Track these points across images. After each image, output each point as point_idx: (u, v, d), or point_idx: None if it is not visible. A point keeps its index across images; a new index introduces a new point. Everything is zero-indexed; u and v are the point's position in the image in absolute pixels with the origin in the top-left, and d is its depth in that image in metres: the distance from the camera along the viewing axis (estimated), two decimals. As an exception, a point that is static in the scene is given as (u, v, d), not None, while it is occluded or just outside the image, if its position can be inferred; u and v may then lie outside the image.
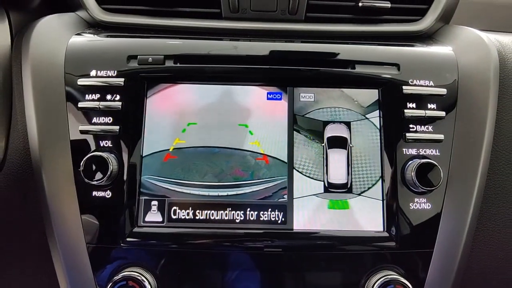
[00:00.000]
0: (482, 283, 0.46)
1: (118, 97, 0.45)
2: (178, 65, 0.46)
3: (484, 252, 0.44)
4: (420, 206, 0.43)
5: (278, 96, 0.47)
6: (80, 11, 0.54)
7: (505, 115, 0.47)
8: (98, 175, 0.41)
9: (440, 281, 0.42)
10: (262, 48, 0.48)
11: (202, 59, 0.47)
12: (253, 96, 0.46)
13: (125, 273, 0.40)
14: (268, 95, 0.47)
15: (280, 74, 0.47)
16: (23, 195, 0.46)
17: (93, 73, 0.46)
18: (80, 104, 0.44)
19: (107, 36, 0.50)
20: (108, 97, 0.45)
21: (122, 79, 0.45)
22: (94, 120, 0.44)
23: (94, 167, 0.41)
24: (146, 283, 0.40)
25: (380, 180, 0.44)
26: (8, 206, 0.46)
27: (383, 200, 0.44)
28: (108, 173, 0.41)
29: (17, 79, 0.47)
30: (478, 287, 0.46)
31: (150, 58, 0.46)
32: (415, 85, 0.46)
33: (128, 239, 0.42)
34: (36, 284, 0.47)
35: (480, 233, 0.45)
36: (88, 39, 0.50)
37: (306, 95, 0.47)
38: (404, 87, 0.46)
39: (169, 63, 0.46)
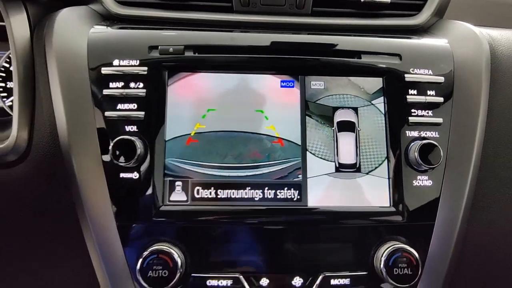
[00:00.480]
0: (480, 256, 0.50)
1: (141, 85, 0.47)
2: (197, 55, 0.49)
3: (482, 223, 0.49)
4: (422, 183, 0.48)
5: (291, 84, 0.50)
6: (94, 4, 0.56)
7: (495, 101, 0.52)
8: (126, 158, 0.44)
9: (441, 251, 0.47)
10: (275, 39, 0.51)
11: (220, 50, 0.50)
12: (268, 84, 0.50)
13: (155, 247, 0.43)
14: (282, 83, 0.50)
15: (293, 64, 0.51)
16: (50, 180, 0.48)
17: (116, 62, 0.48)
18: (105, 92, 0.47)
19: (125, 28, 0.53)
20: (132, 85, 0.47)
21: (145, 68, 0.47)
22: (119, 106, 0.47)
23: (122, 150, 0.44)
24: (176, 256, 0.42)
25: (386, 160, 0.48)
26: (36, 190, 0.48)
27: (389, 179, 0.48)
28: (136, 156, 0.44)
29: (41, 69, 0.49)
30: (476, 260, 0.50)
31: (171, 48, 0.48)
32: (415, 73, 0.50)
33: (155, 218, 0.45)
34: (68, 264, 0.49)
35: (476, 208, 0.49)
36: (107, 30, 0.52)
37: (316, 83, 0.50)
38: (406, 75, 0.50)
39: (188, 53, 0.49)
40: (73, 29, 0.51)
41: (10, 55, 0.74)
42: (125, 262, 0.45)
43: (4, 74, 0.75)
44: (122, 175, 0.46)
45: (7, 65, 0.74)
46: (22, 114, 0.49)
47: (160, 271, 0.42)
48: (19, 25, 0.52)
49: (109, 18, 0.56)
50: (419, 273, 0.44)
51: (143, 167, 0.46)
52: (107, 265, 0.45)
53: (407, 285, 0.44)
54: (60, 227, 0.48)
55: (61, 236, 0.48)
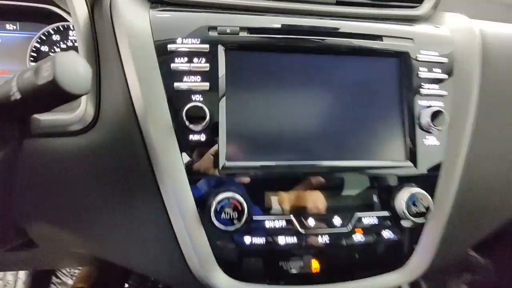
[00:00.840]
0: (473, 202, 0.63)
1: (204, 60, 0.55)
2: (251, 35, 0.57)
3: (476, 175, 0.62)
4: (431, 143, 0.60)
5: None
6: None
7: (486, 79, 0.64)
8: (196, 122, 0.52)
9: (445, 195, 0.59)
10: (318, 23, 0.60)
11: (273, 31, 0.58)
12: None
13: (225, 194, 0.52)
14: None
15: (332, 45, 0.60)
16: (126, 145, 0.55)
17: (179, 40, 0.55)
18: (172, 66, 0.54)
19: (181, 11, 0.59)
20: (195, 60, 0.55)
21: (206, 46, 0.55)
22: (185, 79, 0.54)
23: (192, 116, 0.52)
24: (242, 200, 0.52)
25: (402, 125, 0.60)
26: (113, 154, 0.55)
27: (405, 139, 0.60)
28: (205, 121, 0.52)
29: (108, 46, 0.55)
30: (471, 205, 0.63)
31: (228, 29, 0.56)
32: (425, 54, 0.61)
33: (220, 172, 0.54)
34: (146, 217, 0.56)
35: (471, 162, 0.62)
36: (166, 13, 0.59)
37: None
38: (418, 55, 0.61)
39: (243, 34, 0.57)
40: (135, 10, 0.57)
41: (41, 36, 0.79)
42: (195, 210, 0.54)
43: (35, 55, 0.80)
44: (191, 137, 0.54)
45: (38, 45, 0.79)
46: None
47: (231, 213, 0.51)
48: (79, 5, 0.58)
49: (155, 2, 0.62)
50: (431, 209, 0.56)
51: (209, 130, 0.54)
52: (182, 214, 0.53)
53: (421, 220, 0.56)
54: (139, 185, 0.55)
55: (140, 192, 0.55)
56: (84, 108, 0.55)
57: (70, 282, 1.62)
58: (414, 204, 0.56)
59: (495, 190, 0.63)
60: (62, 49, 0.78)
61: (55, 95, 0.40)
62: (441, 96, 0.61)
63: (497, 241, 1.35)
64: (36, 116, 0.53)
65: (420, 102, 0.60)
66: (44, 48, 0.77)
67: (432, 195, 0.58)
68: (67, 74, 0.38)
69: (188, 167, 0.54)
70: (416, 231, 0.60)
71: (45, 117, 0.55)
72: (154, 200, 0.55)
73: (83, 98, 0.55)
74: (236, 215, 0.51)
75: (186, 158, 0.54)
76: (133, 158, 0.55)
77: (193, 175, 0.54)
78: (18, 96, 0.41)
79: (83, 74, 0.40)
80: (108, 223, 0.57)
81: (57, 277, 1.63)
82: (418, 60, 0.61)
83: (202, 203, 0.54)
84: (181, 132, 0.53)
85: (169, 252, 0.56)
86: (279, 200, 0.55)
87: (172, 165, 0.53)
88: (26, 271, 1.55)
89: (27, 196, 0.56)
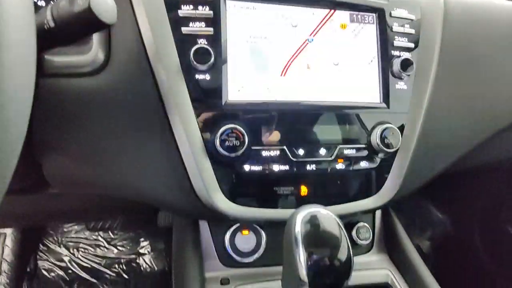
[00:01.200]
0: (435, 136, 0.74)
1: (207, 8, 0.62)
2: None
3: (438, 114, 0.73)
4: (401, 87, 0.70)
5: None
6: None
7: (445, 36, 0.75)
8: (203, 62, 0.59)
9: (412, 131, 0.70)
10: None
11: None
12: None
13: (227, 126, 0.60)
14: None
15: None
16: (137, 83, 0.61)
17: None
18: (180, 13, 0.61)
19: None
20: (200, 8, 0.61)
21: None
22: (191, 24, 0.61)
23: (198, 56, 0.59)
24: (243, 131, 0.60)
25: (378, 71, 0.70)
26: (124, 92, 0.61)
27: (379, 84, 0.70)
28: (210, 60, 0.59)
29: None
30: (435, 137, 0.74)
31: None
32: (398, 11, 0.71)
33: (224, 107, 0.61)
34: (157, 149, 0.62)
35: (432, 104, 0.73)
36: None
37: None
38: (392, 12, 0.70)
39: None
40: None
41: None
42: (202, 141, 0.61)
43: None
44: (197, 76, 0.61)
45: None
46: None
47: (234, 141, 0.59)
48: None
49: None
50: (400, 142, 0.67)
51: (214, 70, 0.61)
52: (190, 145, 0.60)
53: (393, 149, 0.67)
54: (151, 122, 0.61)
55: (152, 128, 0.61)
56: (96, 50, 0.60)
57: (58, 249, 1.65)
58: (387, 138, 0.66)
59: (452, 129, 0.75)
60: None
61: (87, 23, 0.46)
62: (410, 48, 0.71)
63: (454, 198, 1.53)
64: (49, 57, 0.59)
65: (393, 53, 0.70)
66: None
67: (401, 132, 0.69)
68: (101, 3, 0.44)
69: (195, 104, 0.61)
70: (388, 162, 0.70)
71: (58, 59, 0.60)
72: (165, 135, 0.61)
73: (95, 41, 0.60)
74: (238, 143, 0.60)
75: (193, 95, 0.61)
76: (145, 97, 0.61)
77: (199, 110, 0.61)
78: (52, 24, 0.47)
79: (112, 4, 0.46)
80: (122, 158, 0.63)
81: (44, 244, 1.66)
82: (391, 16, 0.71)
83: (207, 135, 0.61)
84: (188, 72, 0.60)
85: (179, 181, 0.63)
86: (274, 133, 0.64)
87: (181, 102, 0.60)
88: (13, 239, 1.57)
89: (44, 131, 0.61)
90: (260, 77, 0.64)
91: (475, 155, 0.83)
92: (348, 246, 0.45)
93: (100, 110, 0.61)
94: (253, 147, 0.63)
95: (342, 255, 0.44)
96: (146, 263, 1.64)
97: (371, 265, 0.78)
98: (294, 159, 0.65)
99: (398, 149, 0.69)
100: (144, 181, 0.65)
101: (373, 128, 0.68)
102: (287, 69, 0.66)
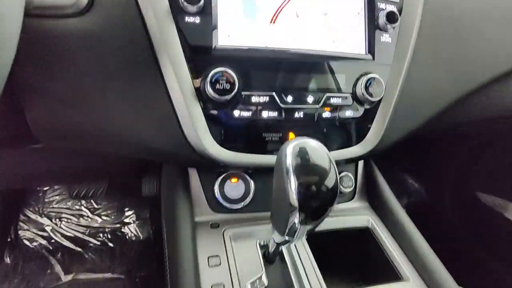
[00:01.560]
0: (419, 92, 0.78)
1: None
2: None
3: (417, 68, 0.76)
4: (386, 40, 0.72)
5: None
6: None
7: (425, 10, 0.77)
8: (192, 3, 0.58)
9: (394, 83, 0.73)
10: None
11: None
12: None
13: (218, 69, 0.60)
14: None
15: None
16: (122, 27, 0.60)
17: None
18: None
19: None
20: None
21: None
22: None
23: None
24: (233, 74, 0.61)
25: (364, 26, 0.72)
26: (111, 35, 0.60)
27: (365, 36, 0.72)
28: (200, 3, 0.59)
29: None
30: (414, 93, 0.77)
31: None
32: None
33: (214, 52, 0.62)
34: (148, 95, 0.62)
35: (414, 58, 0.76)
36: None
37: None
38: None
39: None
40: None
41: None
42: (192, 86, 0.62)
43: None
44: (187, 19, 0.60)
45: None
46: None
47: (224, 84, 0.60)
48: None
49: None
50: (383, 92, 0.70)
51: (204, 13, 0.61)
52: (181, 90, 0.61)
53: (376, 99, 0.70)
54: (141, 66, 0.60)
55: (141, 72, 0.61)
56: None
57: (40, 219, 1.63)
58: (371, 87, 0.69)
59: (433, 82, 0.79)
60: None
61: None
62: (394, 2, 0.73)
63: (426, 167, 1.60)
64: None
65: (380, 5, 0.72)
66: None
67: (384, 79, 0.71)
68: None
69: (185, 47, 0.61)
70: (371, 112, 0.73)
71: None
72: (155, 80, 0.61)
73: None
74: (229, 86, 0.61)
75: (183, 38, 0.61)
76: (133, 40, 0.60)
77: (190, 54, 0.61)
78: None
79: None
80: (109, 102, 0.63)
81: (25, 215, 1.63)
82: None
83: (198, 79, 0.62)
84: (178, 15, 0.60)
85: (170, 127, 0.64)
86: (264, 79, 0.65)
87: (171, 46, 0.60)
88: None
89: (28, 73, 0.60)
90: (249, 23, 0.65)
91: (453, 113, 0.88)
92: (336, 175, 0.47)
93: (85, 51, 0.60)
94: (244, 93, 0.64)
95: (330, 182, 0.46)
96: (131, 231, 1.64)
97: (353, 212, 0.82)
98: (283, 106, 0.67)
99: (381, 99, 0.72)
100: (132, 128, 0.65)
101: (359, 78, 0.70)
102: (276, 16, 0.66)
